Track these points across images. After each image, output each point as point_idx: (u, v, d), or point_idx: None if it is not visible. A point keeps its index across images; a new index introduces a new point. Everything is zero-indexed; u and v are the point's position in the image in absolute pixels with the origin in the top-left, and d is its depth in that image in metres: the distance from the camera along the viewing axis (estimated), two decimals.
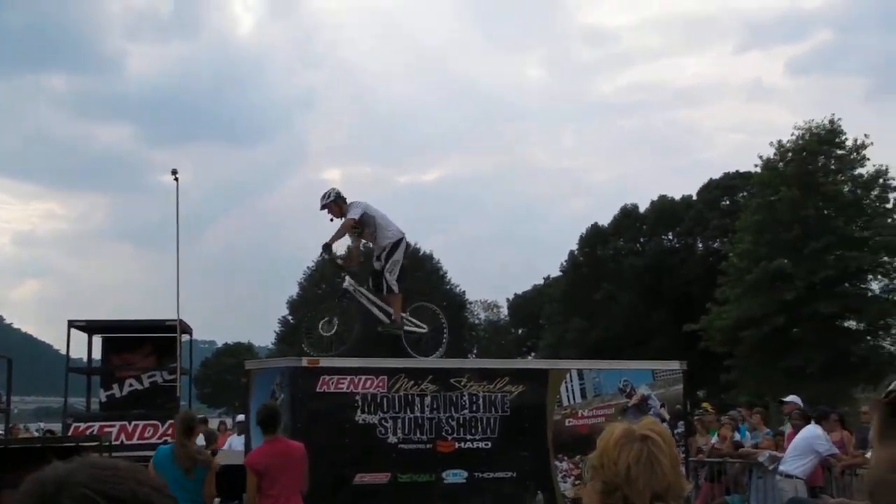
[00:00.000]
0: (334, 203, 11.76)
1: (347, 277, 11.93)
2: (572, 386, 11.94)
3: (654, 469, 3.04)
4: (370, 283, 12.12)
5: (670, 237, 62.79)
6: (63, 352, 14.15)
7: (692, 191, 62.39)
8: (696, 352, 42.92)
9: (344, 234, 11.78)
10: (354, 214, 11.71)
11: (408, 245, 12.46)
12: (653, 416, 11.34)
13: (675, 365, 12.85)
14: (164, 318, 13.51)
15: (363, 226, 11.86)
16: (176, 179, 13.08)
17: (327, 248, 11.63)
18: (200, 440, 10.91)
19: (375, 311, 11.97)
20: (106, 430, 12.00)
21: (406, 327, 12.02)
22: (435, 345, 12.22)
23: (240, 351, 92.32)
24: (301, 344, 11.95)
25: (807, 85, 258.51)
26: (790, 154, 43.78)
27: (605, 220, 65.31)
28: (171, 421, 12.60)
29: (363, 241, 12.13)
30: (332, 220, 11.79)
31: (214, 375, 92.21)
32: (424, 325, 12.23)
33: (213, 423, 23.44)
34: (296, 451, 8.92)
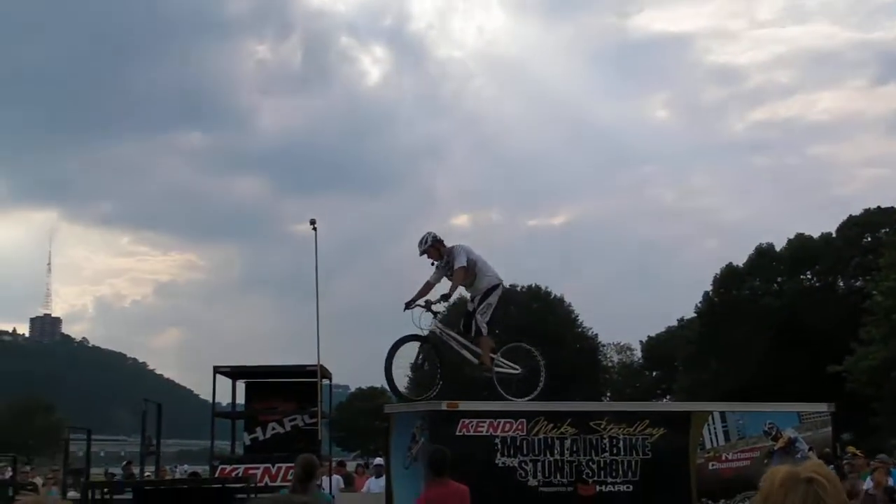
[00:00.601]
0: (432, 247, 11.82)
1: (433, 319, 11.87)
2: (715, 429, 11.68)
3: None
4: (461, 326, 12.07)
5: (808, 276, 61.07)
6: (202, 397, 14.57)
7: (830, 228, 60.73)
8: (839, 394, 41.42)
9: (458, 286, 11.74)
10: (462, 262, 11.70)
11: (503, 289, 12.33)
12: (799, 459, 11.02)
13: (822, 407, 12.44)
14: (304, 364, 13.78)
15: (469, 273, 11.85)
16: (314, 229, 13.38)
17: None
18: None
19: (465, 352, 11.92)
20: (251, 472, 12.26)
21: (498, 368, 11.92)
22: (531, 386, 12.06)
23: (373, 395, 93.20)
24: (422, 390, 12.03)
25: None
26: None
27: (740, 260, 64.04)
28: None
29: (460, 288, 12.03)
30: (433, 264, 11.82)
31: (348, 420, 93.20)
32: (518, 367, 12.09)
33: (350, 466, 23.82)
34: (463, 493, 9.21)
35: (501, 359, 12.10)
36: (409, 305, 11.68)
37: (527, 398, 11.97)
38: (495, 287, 11.96)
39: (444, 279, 11.96)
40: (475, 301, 11.91)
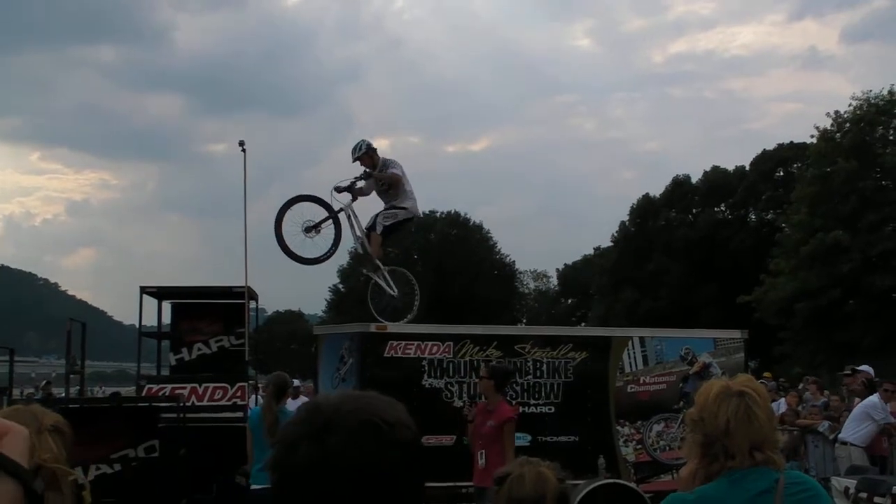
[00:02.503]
0: (366, 154, 11.86)
1: (350, 201, 11.90)
2: (634, 353, 12.07)
3: (751, 422, 3.23)
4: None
5: (722, 208, 62.36)
6: (116, 318, 14.48)
7: (745, 162, 61.93)
8: (749, 324, 42.64)
9: (385, 180, 11.79)
10: (398, 170, 11.84)
11: (411, 221, 12.35)
12: None
13: (736, 334, 12.92)
14: (231, 285, 13.80)
15: (391, 187, 11.94)
16: (243, 150, 13.30)
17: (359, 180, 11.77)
18: (291, 404, 11.20)
19: (358, 243, 12.09)
20: (177, 391, 12.29)
21: (378, 274, 12.08)
22: (400, 314, 12.16)
23: (291, 318, 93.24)
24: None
25: (864, 53, 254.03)
26: (847, 125, 43.23)
27: (656, 191, 65.07)
28: (240, 384, 12.98)
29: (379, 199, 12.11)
30: (366, 171, 11.83)
31: (266, 342, 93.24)
32: (395, 289, 12.21)
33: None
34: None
35: (384, 269, 12.20)
36: (339, 190, 11.74)
37: (402, 321, 12.10)
38: (409, 213, 12.02)
39: (375, 193, 12.06)
40: (387, 206, 11.96)
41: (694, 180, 63.22)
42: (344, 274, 72.45)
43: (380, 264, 12.09)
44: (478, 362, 11.24)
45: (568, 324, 67.99)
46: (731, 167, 62.89)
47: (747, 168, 60.83)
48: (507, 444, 9.07)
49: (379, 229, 11.86)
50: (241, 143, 13.37)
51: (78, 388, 15.09)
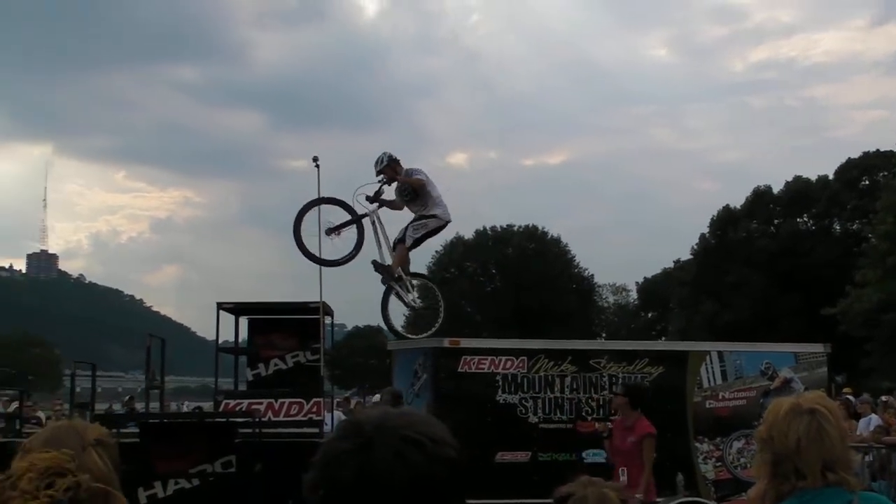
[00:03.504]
0: (388, 167, 11.61)
1: (376, 208, 11.74)
2: (713, 368, 11.87)
3: (823, 440, 3.12)
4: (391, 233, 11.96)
5: (805, 219, 61.17)
6: (199, 334, 14.64)
7: (828, 171, 60.71)
8: (834, 336, 41.73)
9: (412, 185, 11.56)
10: (422, 176, 11.61)
11: (442, 229, 12.03)
12: None
13: (818, 348, 12.63)
14: (307, 301, 13.88)
15: (417, 194, 11.69)
16: (317, 166, 13.40)
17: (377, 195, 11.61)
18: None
19: (381, 249, 11.83)
20: (254, 406, 12.40)
21: (399, 284, 11.79)
22: (423, 328, 12.05)
23: (370, 334, 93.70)
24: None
25: None
26: None
27: (736, 201, 64.06)
28: (316, 399, 13.03)
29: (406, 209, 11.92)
30: (387, 184, 11.63)
31: (344, 358, 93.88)
32: (418, 300, 12.10)
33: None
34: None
35: (409, 279, 12.02)
36: (368, 199, 11.62)
37: (414, 336, 12.08)
38: (442, 223, 11.79)
39: (406, 207, 11.92)
40: (416, 216, 11.73)
41: (776, 190, 62.13)
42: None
43: (402, 275, 11.84)
44: (552, 377, 11.15)
45: (648, 337, 67.25)
46: (813, 176, 61.73)
47: (831, 177, 59.63)
48: (647, 458, 9.29)
49: (408, 242, 11.66)
50: (315, 159, 13.46)
51: (157, 402, 15.32)
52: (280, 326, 14.45)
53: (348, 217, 11.66)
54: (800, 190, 60.27)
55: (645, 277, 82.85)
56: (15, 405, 14.85)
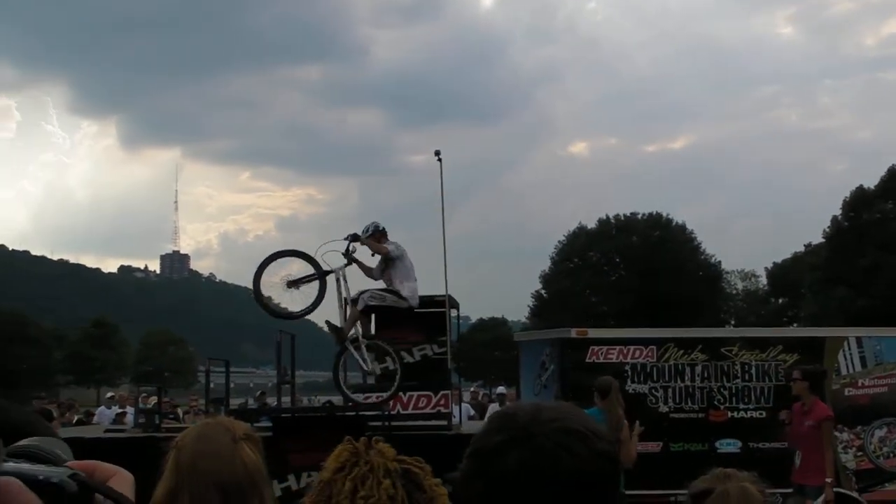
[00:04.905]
0: (372, 237, 11.36)
1: (344, 267, 11.41)
2: (851, 354, 11.50)
3: None
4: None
5: None
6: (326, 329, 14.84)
7: None
8: None
9: (374, 249, 11.31)
10: (392, 249, 11.32)
11: (406, 309, 11.72)
12: None
13: None
14: (433, 295, 13.96)
15: (389, 266, 11.43)
16: (440, 160, 13.45)
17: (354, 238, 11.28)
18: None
19: (340, 309, 11.51)
20: (383, 400, 12.52)
21: (354, 346, 11.50)
22: (380, 389, 11.72)
23: (494, 326, 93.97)
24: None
25: None
26: None
27: (870, 182, 61.85)
28: (444, 392, 13.11)
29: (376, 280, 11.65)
30: (353, 234, 11.36)
31: (468, 350, 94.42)
32: (370, 366, 11.68)
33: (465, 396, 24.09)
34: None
35: (363, 343, 11.65)
36: (345, 255, 11.35)
37: (364, 396, 11.81)
38: (402, 301, 11.51)
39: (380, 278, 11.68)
40: (380, 284, 11.50)
41: None
42: (546, 280, 72.56)
43: (358, 337, 11.55)
44: (683, 366, 10.96)
45: (778, 324, 65.53)
46: None
47: None
48: (826, 441, 9.14)
49: (360, 305, 11.36)
50: (437, 153, 13.52)
51: (288, 397, 15.63)
52: (407, 320, 14.60)
53: (312, 272, 11.43)
54: None
55: (774, 262, 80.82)
56: (154, 401, 15.31)
